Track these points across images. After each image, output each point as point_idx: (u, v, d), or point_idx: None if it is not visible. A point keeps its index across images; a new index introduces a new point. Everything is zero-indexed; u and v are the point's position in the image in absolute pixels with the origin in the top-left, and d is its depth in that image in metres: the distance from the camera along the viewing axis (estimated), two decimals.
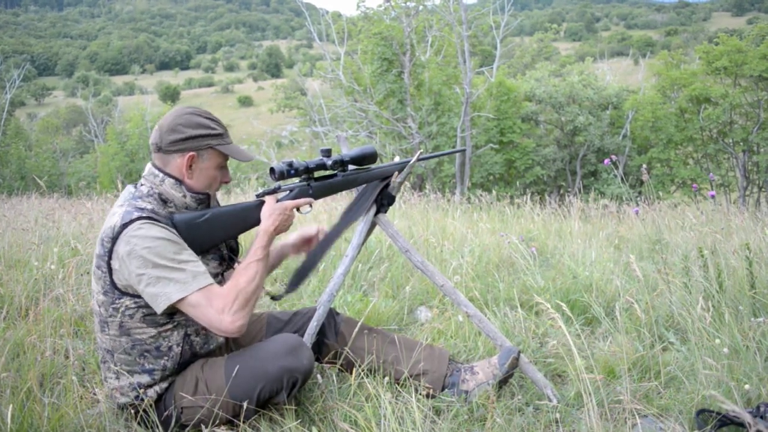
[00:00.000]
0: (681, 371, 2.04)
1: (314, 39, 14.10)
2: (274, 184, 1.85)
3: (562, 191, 13.07)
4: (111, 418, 1.75)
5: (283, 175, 1.78)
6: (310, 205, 1.86)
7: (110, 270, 1.64)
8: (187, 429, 1.74)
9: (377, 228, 2.18)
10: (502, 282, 3.07)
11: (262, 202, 1.81)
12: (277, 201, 1.82)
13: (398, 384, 1.98)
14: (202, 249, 1.75)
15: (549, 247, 4.07)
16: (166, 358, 1.71)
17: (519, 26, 17.99)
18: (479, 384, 1.94)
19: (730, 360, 1.97)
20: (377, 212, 2.08)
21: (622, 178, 4.16)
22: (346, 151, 1.99)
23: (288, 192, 1.85)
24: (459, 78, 12.52)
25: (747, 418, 1.35)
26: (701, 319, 2.13)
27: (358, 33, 13.58)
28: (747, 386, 1.80)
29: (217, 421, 1.71)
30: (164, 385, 1.73)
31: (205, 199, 1.78)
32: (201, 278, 1.62)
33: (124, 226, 1.60)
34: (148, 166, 1.75)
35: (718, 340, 2.03)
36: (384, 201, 2.07)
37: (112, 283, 1.64)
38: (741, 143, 11.63)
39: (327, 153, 1.88)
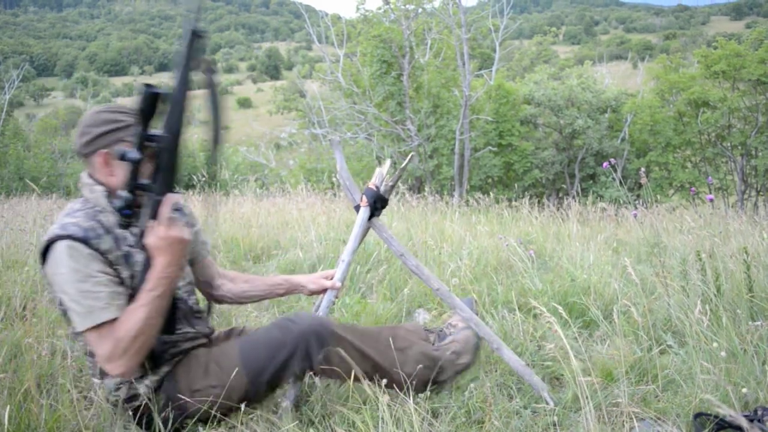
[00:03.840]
0: (679, 374, 2.04)
1: (313, 41, 14.11)
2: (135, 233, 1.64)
3: (560, 194, 13.07)
4: (109, 419, 1.75)
5: (130, 222, 1.57)
6: (178, 201, 1.64)
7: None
8: (196, 422, 1.73)
9: None
10: (501, 285, 3.07)
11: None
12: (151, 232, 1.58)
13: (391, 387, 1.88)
14: None
15: (547, 249, 4.08)
16: None
17: (518, 29, 18.01)
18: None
19: (728, 363, 1.97)
20: (371, 216, 2.08)
21: (620, 182, 4.17)
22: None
23: (146, 218, 1.55)
24: (458, 80, 12.52)
25: (743, 422, 1.35)
26: (699, 323, 2.13)
27: (358, 35, 13.58)
28: (744, 390, 1.80)
29: (233, 401, 1.69)
30: (155, 378, 1.70)
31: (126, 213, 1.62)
32: (96, 314, 1.56)
33: (47, 244, 1.60)
34: (82, 174, 1.72)
35: (715, 344, 2.03)
36: (378, 204, 2.07)
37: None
38: (739, 147, 11.65)
39: (121, 156, 1.50)
